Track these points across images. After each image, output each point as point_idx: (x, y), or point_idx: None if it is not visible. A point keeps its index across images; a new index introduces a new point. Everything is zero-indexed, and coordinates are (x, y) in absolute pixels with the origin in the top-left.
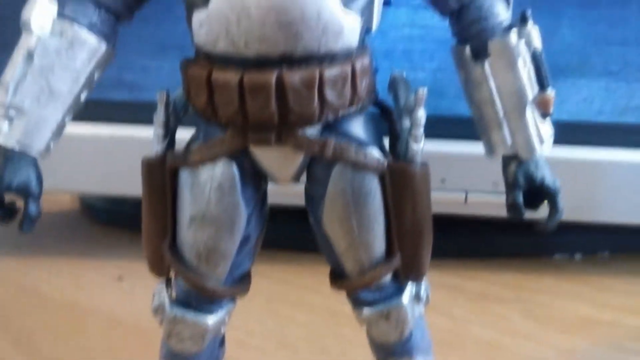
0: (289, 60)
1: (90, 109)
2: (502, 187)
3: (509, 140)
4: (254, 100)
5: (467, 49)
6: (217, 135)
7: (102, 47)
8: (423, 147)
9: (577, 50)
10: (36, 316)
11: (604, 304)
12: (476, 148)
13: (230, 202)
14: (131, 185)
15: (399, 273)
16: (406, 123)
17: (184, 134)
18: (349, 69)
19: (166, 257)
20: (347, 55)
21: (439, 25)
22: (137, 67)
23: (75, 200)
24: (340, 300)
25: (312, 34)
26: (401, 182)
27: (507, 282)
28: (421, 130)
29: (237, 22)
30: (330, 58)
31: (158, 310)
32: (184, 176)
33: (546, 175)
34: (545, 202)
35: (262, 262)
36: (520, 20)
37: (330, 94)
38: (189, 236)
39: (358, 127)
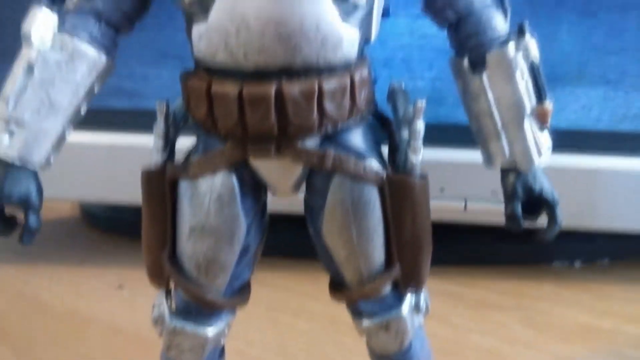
0: (288, 72)
1: (90, 117)
2: (501, 195)
3: (507, 151)
4: (253, 112)
5: (465, 61)
6: (216, 146)
7: (102, 59)
8: (422, 157)
9: (575, 59)
10: (36, 324)
11: (604, 311)
12: (475, 156)
13: (230, 213)
14: (131, 192)
15: (399, 283)
16: (405, 134)
17: (184, 142)
18: (347, 81)
19: (166, 268)
20: (346, 67)
21: (438, 34)
22: (136, 75)
23: (75, 208)
24: (340, 308)
25: (311, 46)
26: (400, 193)
27: (506, 289)
28: (420, 141)
29: (236, 34)
30: (329, 70)
31: (158, 321)
32: (184, 187)
33: (544, 186)
34: (544, 212)
35: (262, 269)
36: (518, 33)
37: (329, 106)
38: (188, 247)
39: (357, 138)
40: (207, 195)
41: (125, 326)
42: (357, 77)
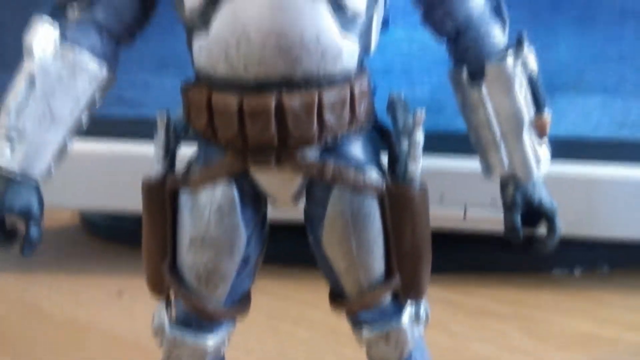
0: (288, 84)
1: (91, 125)
2: (500, 203)
3: (506, 162)
4: (253, 124)
5: (464, 72)
6: (217, 157)
7: (104, 71)
8: (421, 165)
9: (574, 67)
10: (36, 332)
11: (604, 319)
12: (475, 164)
13: (230, 224)
14: (131, 201)
15: (399, 294)
16: (405, 145)
17: (185, 151)
18: (347, 93)
19: (166, 278)
20: (346, 79)
21: (437, 42)
22: (137, 84)
23: (75, 216)
24: (340, 317)
25: (311, 58)
26: (400, 204)
27: (506, 297)
28: (419, 152)
29: (236, 46)
30: (329, 81)
31: (158, 331)
32: (184, 198)
33: (544, 196)
34: (543, 223)
35: (262, 277)
36: (516, 44)
37: (329, 117)
38: (188, 258)
39: (357, 149)
40: (208, 206)
41: (124, 334)
42: (356, 89)
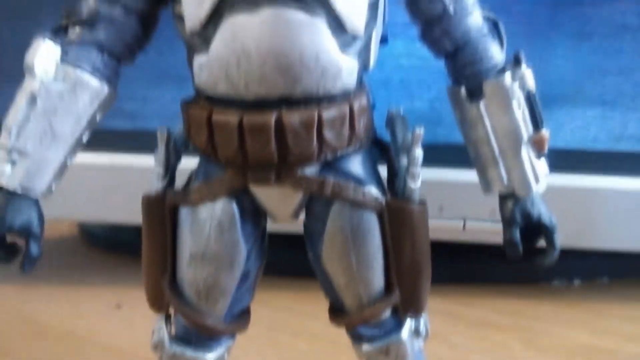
0: (288, 102)
1: (90, 137)
2: (499, 214)
3: (505, 178)
4: (253, 141)
5: (463, 90)
6: (217, 173)
7: (105, 89)
8: (421, 177)
9: (572, 79)
10: (35, 344)
11: (604, 330)
12: (474, 176)
13: (230, 239)
14: (130, 212)
15: (398, 308)
16: (404, 161)
17: (186, 163)
18: (347, 110)
19: (166, 293)
20: (345, 96)
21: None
22: (136, 96)
23: (73, 227)
24: (340, 329)
25: (311, 77)
26: (399, 219)
27: (506, 308)
28: (418, 168)
29: (237, 65)
30: (328, 99)
31: (157, 346)
32: (184, 214)
33: (542, 212)
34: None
35: (262, 289)
36: (514, 62)
37: (328, 135)
38: (188, 274)
39: (356, 165)
40: (208, 222)
41: (123, 347)
42: (356, 106)
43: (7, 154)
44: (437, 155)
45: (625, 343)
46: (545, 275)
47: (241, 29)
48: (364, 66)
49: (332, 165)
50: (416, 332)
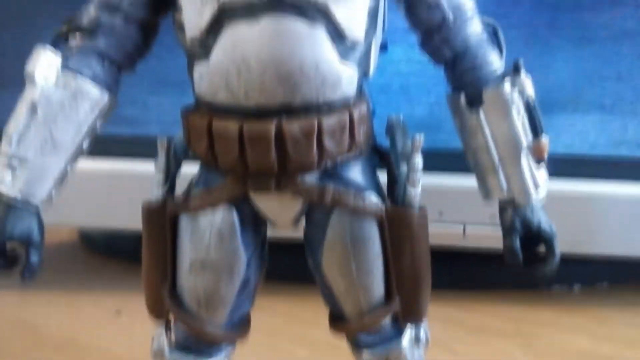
0: (288, 111)
1: (90, 143)
2: (499, 219)
3: (504, 186)
4: (253, 150)
5: (462, 97)
6: (217, 181)
7: (105, 97)
8: (420, 186)
9: (571, 85)
10: (34, 350)
11: (604, 336)
12: (474, 181)
13: (230, 247)
14: (130, 219)
15: (399, 316)
16: (403, 168)
17: (187, 169)
18: (347, 118)
19: (166, 301)
20: (345, 104)
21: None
22: (136, 102)
23: (73, 232)
24: (341, 336)
25: (311, 85)
26: (399, 227)
27: (506, 315)
28: (418, 175)
29: (237, 74)
30: (328, 108)
31: (157, 355)
32: (184, 222)
33: (542, 220)
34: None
35: (261, 295)
36: (513, 70)
37: (328, 143)
38: (188, 282)
39: (356, 173)
40: (208, 230)
41: (123, 353)
42: (356, 114)
43: (8, 162)
44: (436, 161)
45: (625, 348)
46: (546, 281)
47: (241, 38)
48: (363, 74)
49: (332, 172)
50: (416, 340)
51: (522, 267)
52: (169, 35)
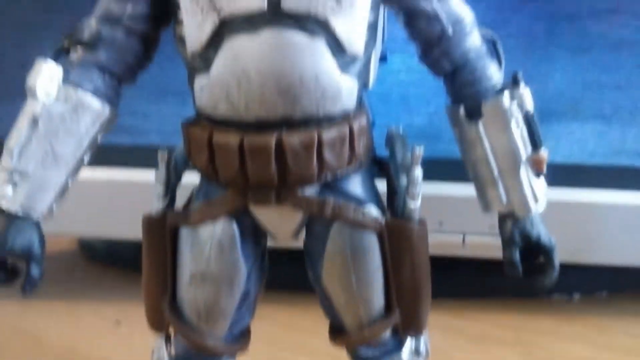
0: (288, 123)
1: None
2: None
3: (504, 198)
4: (254, 162)
5: (462, 110)
6: (217, 193)
7: (106, 110)
8: (420, 195)
9: (570, 94)
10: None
11: (604, 345)
12: (473, 190)
13: (230, 259)
14: (130, 228)
15: (399, 328)
16: (403, 180)
17: (188, 178)
18: (346, 131)
19: (166, 314)
20: (345, 117)
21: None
22: (136, 111)
23: (73, 241)
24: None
25: (311, 98)
26: (399, 240)
27: (506, 323)
28: (418, 188)
29: (237, 87)
30: (328, 120)
31: None
32: (185, 234)
33: (542, 232)
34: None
35: (261, 304)
36: (512, 83)
37: (328, 155)
38: (189, 294)
39: (356, 185)
40: (208, 242)
41: None
42: (355, 127)
43: (9, 175)
44: (436, 170)
45: (625, 357)
46: (545, 290)
47: (242, 51)
48: (363, 86)
49: (332, 185)
50: (416, 352)
51: (522, 277)
52: (169, 45)
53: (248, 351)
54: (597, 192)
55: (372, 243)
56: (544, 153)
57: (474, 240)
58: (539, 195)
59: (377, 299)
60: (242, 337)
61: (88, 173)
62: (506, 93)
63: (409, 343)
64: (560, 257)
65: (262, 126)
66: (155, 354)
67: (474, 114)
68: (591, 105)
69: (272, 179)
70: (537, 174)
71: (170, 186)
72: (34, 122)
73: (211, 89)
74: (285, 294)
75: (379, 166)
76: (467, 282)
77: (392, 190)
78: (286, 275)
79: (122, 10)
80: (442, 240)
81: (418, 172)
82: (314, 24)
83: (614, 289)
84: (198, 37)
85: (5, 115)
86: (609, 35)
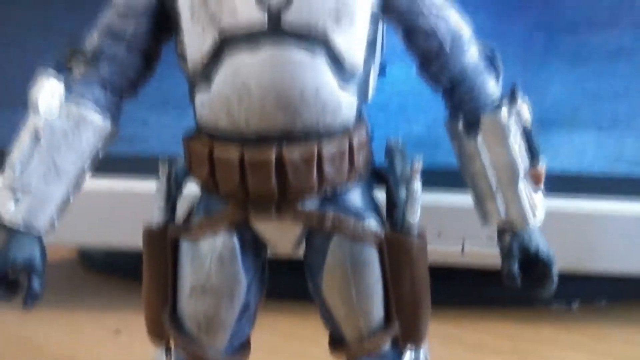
0: (289, 137)
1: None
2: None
3: (502, 211)
4: (254, 176)
5: (460, 124)
6: (218, 206)
7: (107, 125)
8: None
9: (568, 103)
10: None
11: (603, 354)
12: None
13: (231, 272)
14: (130, 237)
15: (398, 340)
16: (403, 193)
17: (189, 188)
18: (346, 144)
19: (166, 326)
20: (345, 130)
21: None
22: (136, 120)
23: (72, 250)
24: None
25: (311, 112)
26: (399, 252)
27: (505, 332)
28: (418, 201)
29: (238, 100)
30: (328, 134)
31: None
32: (185, 247)
33: (540, 245)
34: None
35: (262, 313)
36: (510, 97)
37: (328, 169)
38: (189, 306)
39: (356, 198)
40: (209, 255)
41: None
42: (355, 140)
43: (11, 190)
44: (435, 178)
45: None
46: (544, 300)
47: (242, 67)
48: (363, 99)
49: (332, 198)
50: None
51: (521, 289)
52: (170, 55)
53: None
54: (596, 201)
55: (371, 256)
56: (542, 167)
57: (473, 248)
58: (537, 208)
59: (377, 311)
60: (242, 349)
61: (88, 182)
62: (504, 108)
63: (408, 354)
64: (559, 265)
65: (262, 140)
66: None
67: (472, 128)
68: (590, 115)
69: (272, 193)
70: (536, 187)
71: (171, 198)
72: (36, 137)
73: (212, 104)
74: (286, 303)
75: (378, 177)
76: (465, 291)
77: (391, 202)
78: (286, 284)
79: (124, 27)
80: (441, 249)
81: (417, 185)
82: (314, 40)
83: (613, 297)
84: (199, 54)
85: (5, 123)
86: (607, 44)
